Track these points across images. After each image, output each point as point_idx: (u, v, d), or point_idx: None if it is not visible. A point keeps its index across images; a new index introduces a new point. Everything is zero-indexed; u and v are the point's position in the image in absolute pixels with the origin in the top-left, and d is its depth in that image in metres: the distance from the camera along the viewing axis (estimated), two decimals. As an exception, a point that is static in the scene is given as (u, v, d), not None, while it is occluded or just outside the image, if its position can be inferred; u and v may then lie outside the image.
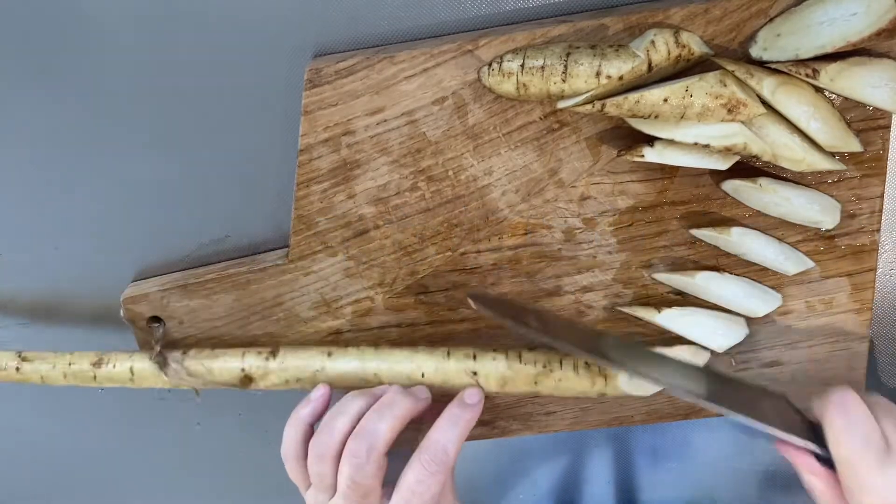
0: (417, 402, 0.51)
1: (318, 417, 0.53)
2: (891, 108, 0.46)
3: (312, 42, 0.51)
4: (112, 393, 0.66)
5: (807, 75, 0.45)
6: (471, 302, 0.50)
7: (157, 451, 0.70)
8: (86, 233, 0.59)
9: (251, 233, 0.58)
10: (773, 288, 0.53)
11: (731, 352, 0.55)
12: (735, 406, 0.47)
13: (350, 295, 0.56)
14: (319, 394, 0.53)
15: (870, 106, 0.48)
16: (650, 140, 0.47)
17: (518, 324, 0.49)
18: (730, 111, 0.45)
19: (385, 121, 0.50)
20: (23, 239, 0.60)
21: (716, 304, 0.53)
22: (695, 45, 0.45)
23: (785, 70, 0.46)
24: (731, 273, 0.53)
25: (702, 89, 0.44)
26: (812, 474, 0.47)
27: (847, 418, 0.45)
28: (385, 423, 0.49)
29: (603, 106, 0.45)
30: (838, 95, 0.47)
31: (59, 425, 0.69)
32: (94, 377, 0.56)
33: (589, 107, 0.45)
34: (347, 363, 0.54)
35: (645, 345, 0.54)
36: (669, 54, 0.45)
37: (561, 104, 0.47)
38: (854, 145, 0.47)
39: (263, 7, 0.50)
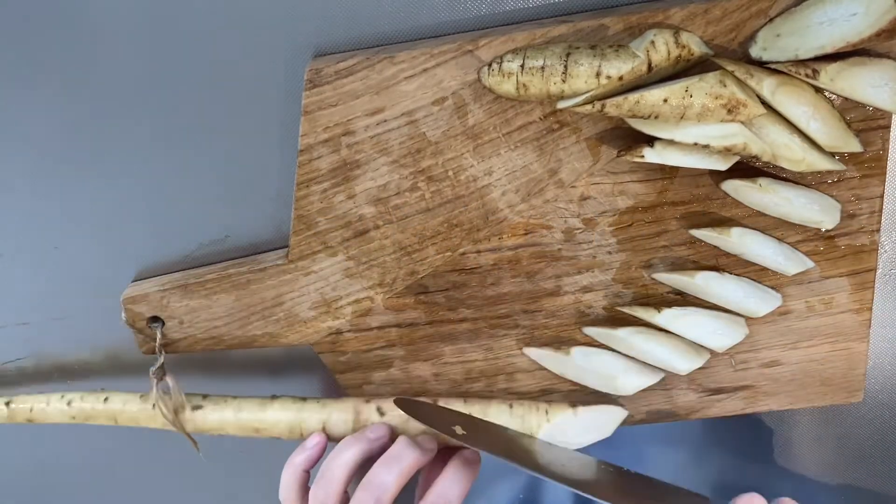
0: (424, 454, 0.52)
1: (314, 464, 0.53)
2: (891, 109, 0.45)
3: (312, 42, 0.51)
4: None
5: (807, 75, 0.45)
6: (396, 405, 0.53)
7: (159, 453, 0.69)
8: (86, 233, 0.58)
9: (251, 233, 0.57)
10: (772, 288, 0.53)
11: (730, 352, 0.55)
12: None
13: (350, 295, 0.55)
14: (315, 442, 0.54)
15: (870, 106, 0.47)
16: (650, 140, 0.47)
17: (443, 431, 0.51)
18: (730, 111, 0.44)
19: (385, 121, 0.50)
20: (23, 239, 0.59)
21: (716, 305, 0.53)
22: (694, 46, 0.45)
23: (785, 70, 0.45)
24: (731, 273, 0.53)
25: (702, 90, 0.44)
26: None
27: None
28: (392, 476, 0.49)
29: (603, 106, 0.45)
30: (838, 95, 0.47)
31: (60, 427, 0.68)
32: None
33: (589, 107, 0.45)
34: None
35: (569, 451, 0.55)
36: (669, 55, 0.44)
37: (561, 104, 0.46)
38: (854, 145, 0.47)
39: (263, 7, 0.50)
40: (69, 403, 0.57)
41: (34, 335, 0.63)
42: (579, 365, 0.55)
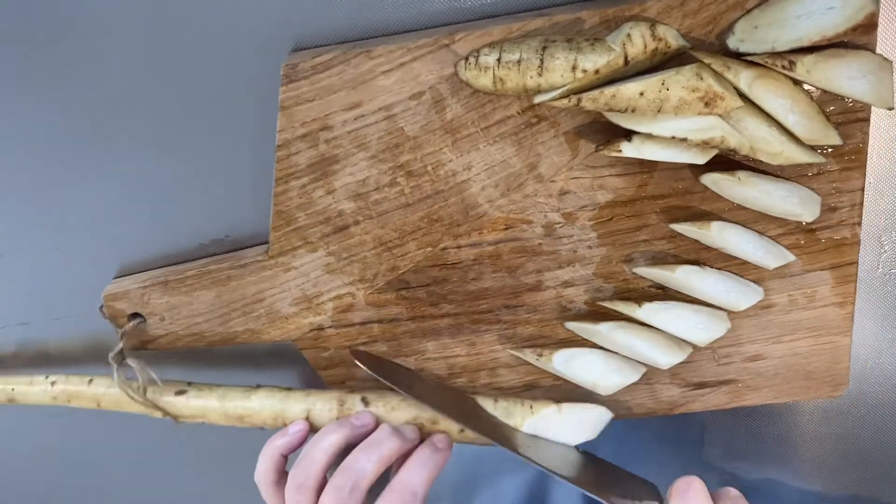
0: (405, 443, 0.52)
1: (293, 450, 0.53)
2: (869, 100, 0.45)
3: (290, 37, 0.50)
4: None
5: (783, 67, 0.44)
6: (354, 360, 0.53)
7: (159, 453, 0.69)
8: (87, 233, 0.58)
9: (243, 231, 0.57)
10: (754, 282, 0.53)
11: (713, 346, 0.55)
12: (602, 490, 0.49)
13: (331, 291, 0.55)
14: (297, 429, 0.53)
15: (848, 98, 0.47)
16: (628, 134, 0.46)
17: (395, 385, 0.52)
18: (707, 104, 0.44)
19: (362, 116, 0.50)
20: (22, 240, 0.59)
21: (697, 299, 0.53)
22: (671, 38, 0.44)
23: (762, 62, 0.45)
24: (713, 267, 0.52)
25: (678, 83, 0.43)
26: None
27: (682, 503, 0.46)
28: (371, 462, 0.49)
29: (579, 100, 0.44)
30: (817, 88, 0.47)
31: (61, 428, 0.68)
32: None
33: (565, 101, 0.44)
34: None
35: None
36: (646, 48, 0.44)
37: (537, 99, 0.46)
38: (833, 138, 0.46)
39: (240, 2, 0.50)
40: (52, 384, 0.57)
41: (33, 334, 0.63)
42: (559, 369, 0.55)
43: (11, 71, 0.53)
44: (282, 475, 0.53)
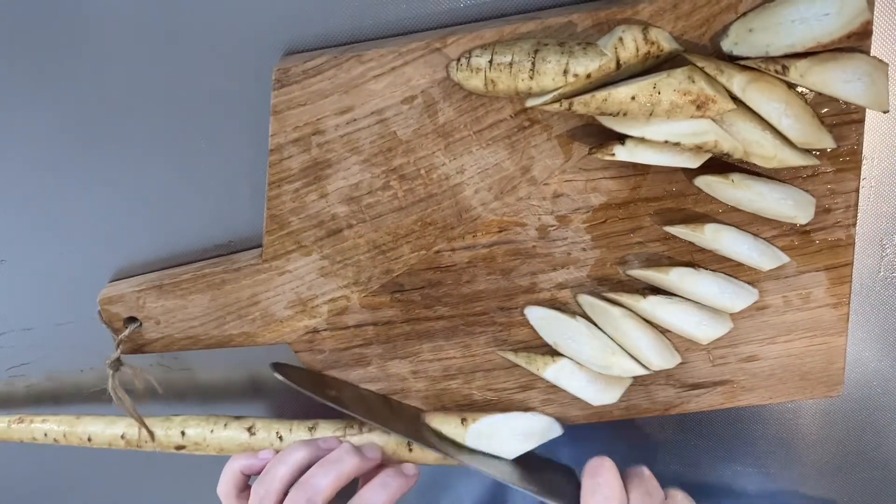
0: (364, 462, 0.52)
1: (255, 472, 0.54)
2: (864, 103, 0.44)
3: (282, 41, 0.49)
4: None
5: (776, 72, 0.43)
6: (274, 373, 0.53)
7: (160, 454, 0.69)
8: (91, 239, 0.57)
9: (237, 235, 0.56)
10: (749, 283, 0.52)
11: (709, 346, 0.54)
12: (537, 488, 0.52)
13: (325, 294, 0.54)
14: (263, 456, 0.55)
15: (843, 101, 0.47)
16: (621, 138, 0.46)
17: (319, 396, 0.53)
18: (699, 107, 0.43)
19: (355, 120, 0.49)
20: (26, 245, 0.58)
21: (691, 300, 0.52)
22: (664, 42, 0.43)
23: (755, 66, 0.44)
24: (707, 269, 0.51)
25: (670, 86, 0.42)
26: None
27: (593, 481, 0.48)
28: (328, 480, 0.50)
29: (570, 104, 0.43)
30: (811, 91, 0.46)
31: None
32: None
33: (556, 105, 0.43)
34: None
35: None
36: (638, 51, 0.43)
37: (529, 103, 0.45)
38: (827, 142, 0.46)
39: (232, 5, 0.49)
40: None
41: (37, 340, 0.63)
42: (550, 379, 0.55)
43: (10, 78, 0.52)
44: (242, 490, 0.54)
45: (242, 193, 0.54)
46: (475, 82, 0.45)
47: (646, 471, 0.50)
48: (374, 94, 0.48)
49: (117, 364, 0.55)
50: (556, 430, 0.56)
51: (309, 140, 0.49)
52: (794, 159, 0.45)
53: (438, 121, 0.48)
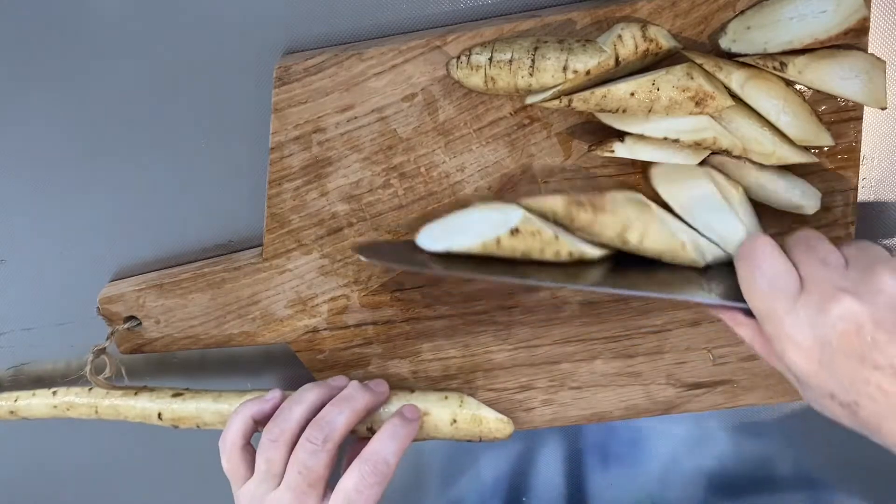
0: (376, 397, 0.52)
1: (265, 418, 0.52)
2: (861, 100, 0.44)
3: (282, 39, 0.49)
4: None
5: (774, 68, 0.43)
6: (359, 256, 0.49)
7: (161, 455, 0.68)
8: (91, 239, 0.57)
9: (238, 234, 0.56)
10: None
11: (708, 346, 0.54)
12: (653, 288, 0.45)
13: (326, 293, 0.54)
14: (272, 396, 0.53)
15: (841, 98, 0.47)
16: (621, 135, 0.46)
17: (415, 267, 0.48)
18: (697, 104, 0.43)
19: (355, 118, 0.49)
20: (27, 246, 0.58)
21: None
22: (662, 39, 0.43)
23: (753, 63, 0.44)
24: None
25: (668, 82, 0.42)
26: (738, 325, 0.44)
27: (751, 268, 0.41)
28: (343, 416, 0.49)
29: (570, 101, 0.43)
30: (809, 88, 0.46)
31: (63, 429, 0.67)
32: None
33: (556, 102, 0.43)
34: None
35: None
36: (637, 48, 0.43)
37: (529, 100, 0.45)
38: (826, 139, 0.45)
39: (233, 4, 0.49)
40: (54, 394, 0.58)
41: (37, 340, 0.62)
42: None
43: (10, 79, 0.52)
44: (247, 442, 0.52)
45: (242, 193, 0.54)
46: (475, 80, 0.45)
47: (813, 234, 0.42)
48: (375, 92, 0.48)
49: (100, 352, 0.55)
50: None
51: (309, 138, 0.49)
52: (792, 156, 0.45)
53: (439, 118, 0.48)
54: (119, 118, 0.53)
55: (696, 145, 0.44)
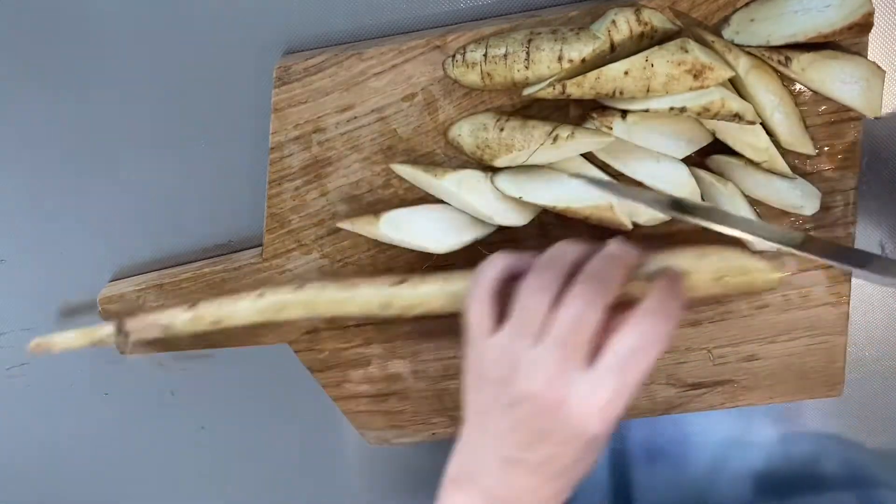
0: (639, 258, 0.44)
1: (519, 272, 0.44)
2: (857, 106, 0.43)
3: (282, 39, 0.50)
4: (116, 396, 0.64)
5: (779, 62, 0.43)
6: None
7: (161, 455, 0.68)
8: (91, 238, 0.57)
9: (239, 234, 0.56)
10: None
11: (707, 346, 0.54)
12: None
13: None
14: (529, 255, 0.44)
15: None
16: (623, 113, 0.44)
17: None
18: (696, 77, 0.42)
19: (355, 118, 0.49)
20: (26, 245, 0.58)
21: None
22: (657, 22, 0.43)
23: (758, 55, 0.44)
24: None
25: (663, 58, 0.41)
26: None
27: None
28: (618, 271, 0.42)
29: (564, 87, 0.42)
30: (807, 88, 0.46)
31: (63, 428, 0.67)
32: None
33: (550, 90, 0.43)
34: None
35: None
36: (632, 33, 0.42)
37: (526, 92, 0.44)
38: (808, 147, 0.46)
39: (233, 4, 0.49)
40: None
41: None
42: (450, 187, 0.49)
43: (10, 79, 0.52)
44: (498, 294, 0.44)
45: (242, 193, 0.54)
46: (472, 77, 0.45)
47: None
48: (375, 92, 0.48)
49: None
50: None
51: (309, 138, 0.49)
52: (780, 164, 0.45)
53: (439, 118, 0.48)
54: (119, 118, 0.53)
55: (705, 111, 0.43)
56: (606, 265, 0.42)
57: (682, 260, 0.44)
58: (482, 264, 0.44)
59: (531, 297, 0.41)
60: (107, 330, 0.49)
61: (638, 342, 0.40)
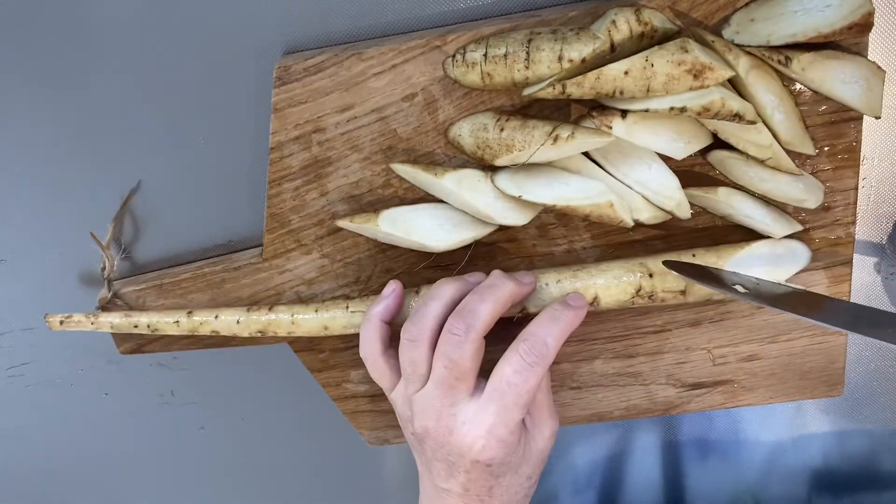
0: (520, 287, 0.47)
1: (392, 315, 0.48)
2: (857, 106, 0.43)
3: (282, 39, 0.49)
4: (116, 396, 0.64)
5: (779, 62, 0.43)
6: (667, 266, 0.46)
7: (161, 455, 0.68)
8: (90, 237, 0.56)
9: (239, 234, 0.56)
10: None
11: (708, 346, 0.53)
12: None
13: (326, 293, 0.53)
14: (391, 290, 0.48)
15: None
16: (623, 113, 0.44)
17: (726, 290, 0.45)
18: (696, 76, 0.41)
19: (355, 118, 0.48)
20: (25, 245, 0.58)
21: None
22: (657, 22, 0.42)
23: (758, 55, 0.43)
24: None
25: (663, 58, 0.41)
26: None
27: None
28: (486, 305, 0.44)
29: (564, 87, 0.42)
30: (808, 88, 0.45)
31: (64, 429, 0.67)
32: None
33: (550, 90, 0.42)
34: None
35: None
36: (632, 33, 0.42)
37: (526, 92, 0.44)
38: (808, 147, 0.45)
39: (233, 4, 0.49)
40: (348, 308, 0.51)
41: (39, 340, 0.62)
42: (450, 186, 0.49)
43: (10, 78, 0.52)
44: (386, 345, 0.49)
45: (242, 193, 0.54)
46: (472, 77, 0.45)
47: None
48: (375, 92, 0.48)
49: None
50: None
51: (309, 138, 0.49)
52: (786, 159, 0.45)
53: (438, 118, 0.48)
54: (119, 118, 0.53)
55: (705, 111, 0.42)
56: (476, 300, 0.45)
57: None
58: (361, 326, 0.49)
59: (410, 351, 0.46)
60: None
61: (515, 366, 0.44)
